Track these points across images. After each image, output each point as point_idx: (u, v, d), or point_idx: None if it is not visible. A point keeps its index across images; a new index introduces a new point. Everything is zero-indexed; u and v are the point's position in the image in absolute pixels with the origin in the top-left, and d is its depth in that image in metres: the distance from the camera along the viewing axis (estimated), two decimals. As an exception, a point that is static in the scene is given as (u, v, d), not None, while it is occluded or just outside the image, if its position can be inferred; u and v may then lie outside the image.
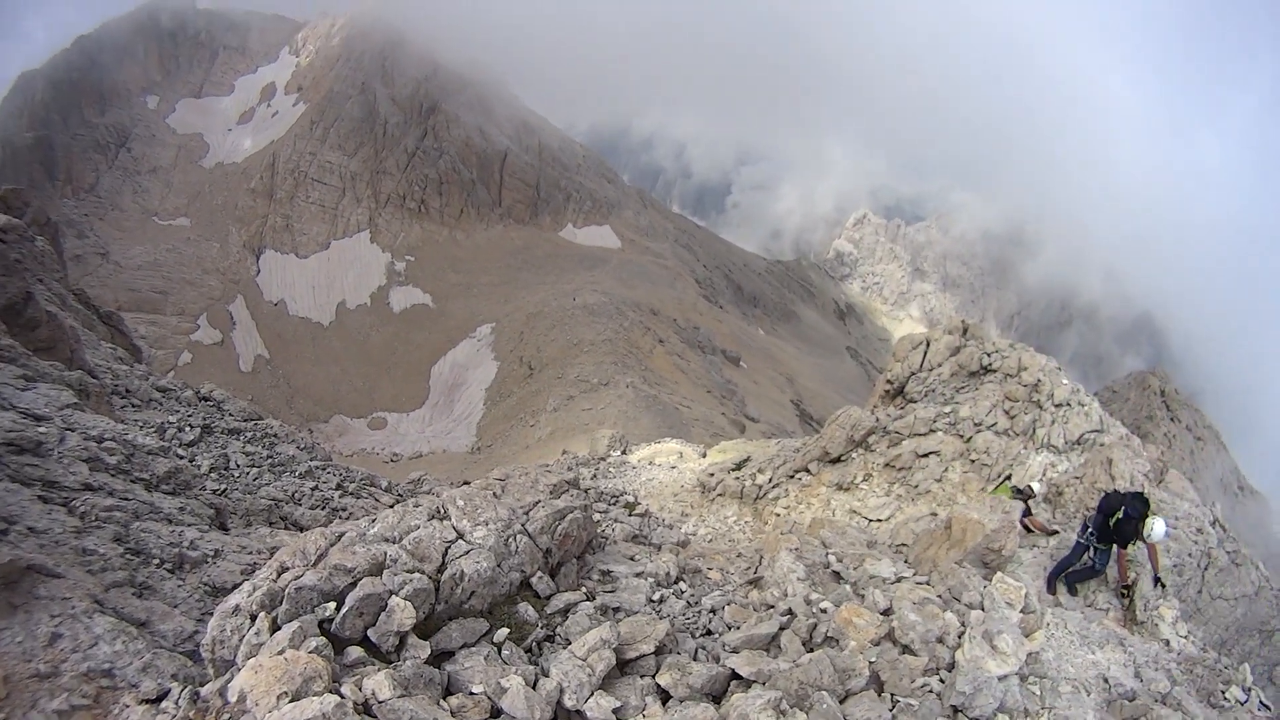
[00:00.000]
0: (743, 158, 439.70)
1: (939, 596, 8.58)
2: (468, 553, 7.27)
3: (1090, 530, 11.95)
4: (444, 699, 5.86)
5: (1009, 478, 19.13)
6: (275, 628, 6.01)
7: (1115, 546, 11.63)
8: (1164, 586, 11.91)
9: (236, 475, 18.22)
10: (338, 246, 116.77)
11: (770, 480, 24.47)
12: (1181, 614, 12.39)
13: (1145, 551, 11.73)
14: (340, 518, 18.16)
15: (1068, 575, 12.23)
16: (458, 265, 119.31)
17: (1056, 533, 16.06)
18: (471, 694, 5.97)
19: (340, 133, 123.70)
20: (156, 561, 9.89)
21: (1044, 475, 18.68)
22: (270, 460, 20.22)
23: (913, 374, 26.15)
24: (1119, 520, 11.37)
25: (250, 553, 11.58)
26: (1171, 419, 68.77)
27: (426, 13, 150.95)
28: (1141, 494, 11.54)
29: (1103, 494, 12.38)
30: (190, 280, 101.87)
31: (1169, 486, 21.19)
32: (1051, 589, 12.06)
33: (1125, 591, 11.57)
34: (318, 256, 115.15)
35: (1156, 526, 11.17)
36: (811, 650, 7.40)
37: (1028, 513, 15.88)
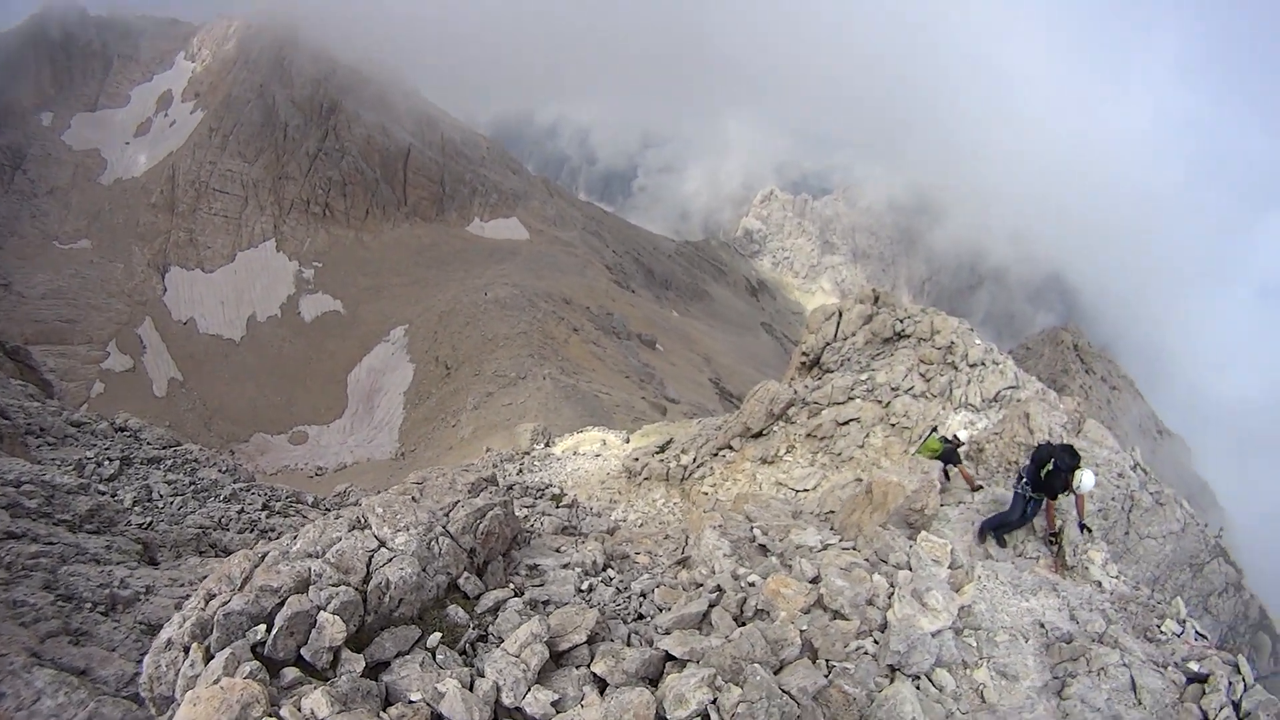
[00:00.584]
0: (647, 141, 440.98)
1: (866, 560, 8.64)
2: (391, 560, 7.13)
3: (1025, 481, 12.16)
4: (384, 710, 5.74)
5: (935, 429, 19.39)
6: (209, 657, 5.84)
7: (1044, 497, 11.88)
8: (1090, 531, 12.16)
9: (161, 506, 17.70)
10: (244, 258, 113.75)
11: (695, 460, 24.56)
12: (1111, 555, 12.70)
13: (1073, 501, 11.98)
14: (269, 539, 17.82)
15: (995, 528, 12.45)
16: (366, 268, 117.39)
17: (981, 488, 16.34)
18: (410, 702, 5.86)
19: (240, 139, 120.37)
20: (89, 605, 9.62)
21: (968, 428, 18.97)
22: (193, 487, 19.69)
23: (827, 344, 26.41)
24: (1049, 472, 11.57)
25: (182, 585, 11.30)
26: (1086, 371, 70.59)
27: (322, 10, 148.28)
28: (1071, 447, 11.74)
29: (1035, 446, 12.72)
30: (96, 305, 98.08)
31: (1088, 435, 21.72)
32: (982, 539, 12.27)
33: (1054, 539, 11.86)
34: (224, 270, 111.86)
35: (1085, 478, 11.39)
36: (743, 625, 7.39)
37: (957, 461, 16.15)
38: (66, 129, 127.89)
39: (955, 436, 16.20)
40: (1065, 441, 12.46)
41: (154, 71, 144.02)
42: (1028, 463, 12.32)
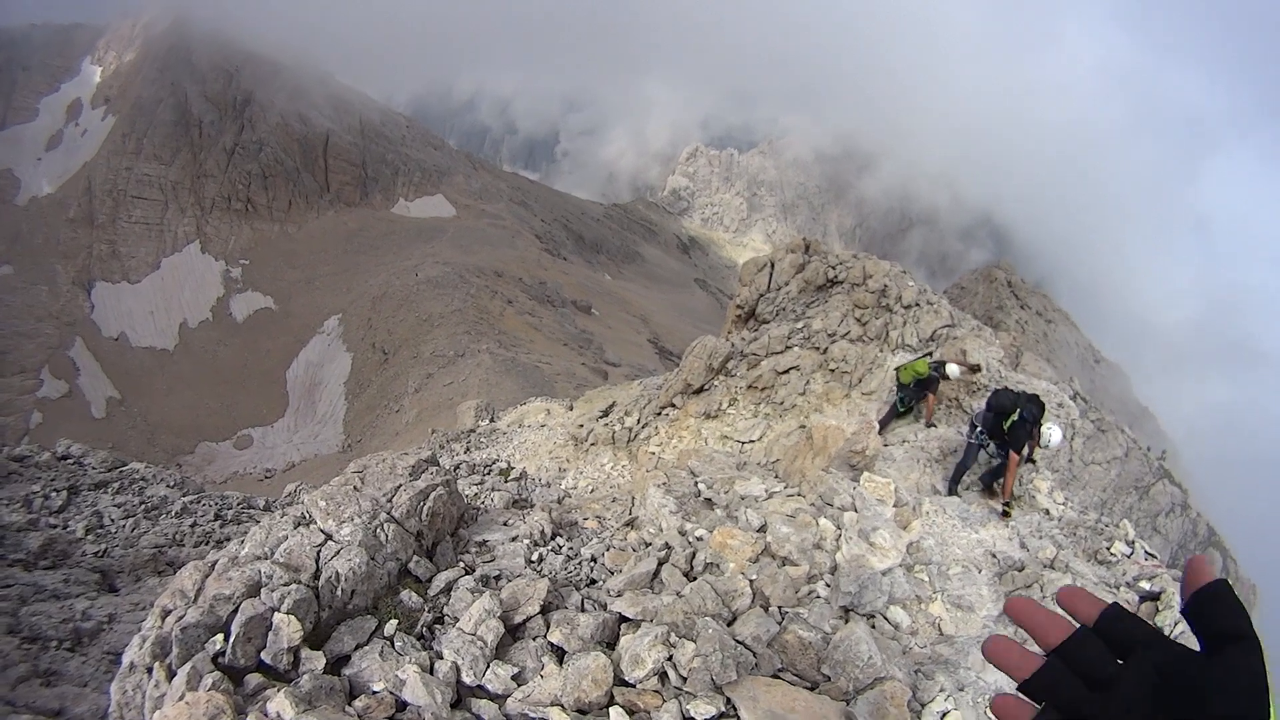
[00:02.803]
0: (569, 106, 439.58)
1: (811, 505, 8.70)
2: (339, 553, 7.02)
3: (979, 429, 12.08)
4: (349, 704, 5.67)
5: (930, 354, 19.51)
6: (172, 674, 5.73)
7: (1005, 451, 11.71)
8: (1034, 463, 12.15)
9: (114, 531, 17.35)
10: (168, 264, 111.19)
11: (639, 421, 24.58)
12: (1057, 483, 12.89)
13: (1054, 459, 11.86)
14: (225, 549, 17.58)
15: (981, 477, 12.38)
16: (294, 260, 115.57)
17: (934, 426, 16.52)
18: (374, 693, 5.80)
19: (155, 141, 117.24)
20: (55, 643, 9.46)
21: (964, 360, 19.09)
22: (144, 507, 19.30)
23: (761, 295, 26.48)
24: (1014, 423, 11.38)
25: (144, 608, 11.14)
26: (1021, 306, 71.53)
27: (228, 2, 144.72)
28: (1037, 397, 11.53)
29: (994, 391, 12.26)
30: (24, 333, 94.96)
31: (1025, 368, 22.10)
32: (954, 492, 12.24)
33: (1006, 509, 11.49)
34: (150, 279, 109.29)
35: (1054, 435, 11.22)
36: (693, 580, 7.41)
37: (934, 391, 16.30)
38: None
39: (944, 368, 16.29)
40: (1027, 391, 12.24)
41: (60, 80, 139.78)
42: (983, 408, 12.21)
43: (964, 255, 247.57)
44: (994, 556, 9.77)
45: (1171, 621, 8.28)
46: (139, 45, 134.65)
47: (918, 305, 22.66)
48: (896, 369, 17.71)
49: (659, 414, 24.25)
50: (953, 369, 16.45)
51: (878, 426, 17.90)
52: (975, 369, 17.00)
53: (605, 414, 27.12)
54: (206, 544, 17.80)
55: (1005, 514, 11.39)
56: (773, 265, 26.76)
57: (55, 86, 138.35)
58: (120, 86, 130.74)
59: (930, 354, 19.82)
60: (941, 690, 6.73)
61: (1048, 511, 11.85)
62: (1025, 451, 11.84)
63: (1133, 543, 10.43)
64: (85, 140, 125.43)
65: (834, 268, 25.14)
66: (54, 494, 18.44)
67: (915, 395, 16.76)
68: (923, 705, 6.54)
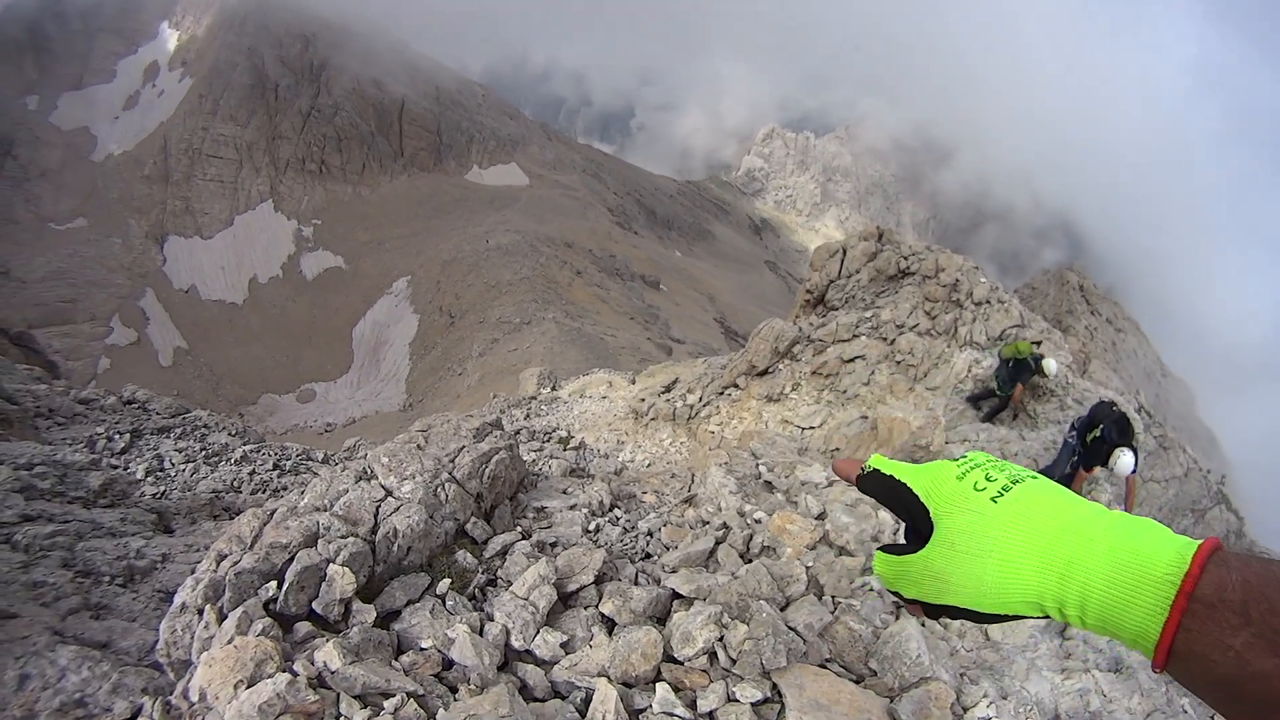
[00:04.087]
0: (644, 80, 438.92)
1: (872, 497, 8.63)
2: (398, 509, 7.10)
3: (1074, 430, 11.89)
4: (396, 659, 5.74)
5: (1039, 344, 19.25)
6: (222, 618, 5.80)
7: (1080, 462, 11.52)
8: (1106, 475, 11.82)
9: (173, 474, 17.67)
10: (241, 221, 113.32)
11: (700, 399, 24.57)
12: (1115, 497, 12.66)
13: (1121, 486, 11.55)
14: (281, 498, 17.81)
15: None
16: (366, 222, 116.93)
17: (1016, 416, 16.29)
18: (422, 650, 5.84)
19: (230, 103, 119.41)
20: (107, 579, 9.62)
21: (1059, 366, 18.81)
22: (204, 453, 19.64)
23: (831, 282, 26.27)
24: (1095, 438, 11.17)
25: (197, 550, 11.30)
26: (1091, 312, 69.97)
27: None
28: (1127, 419, 11.27)
29: (1099, 401, 12.11)
30: (96, 282, 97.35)
31: (1093, 376, 21.72)
32: None
33: None
34: (222, 235, 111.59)
35: (1124, 459, 10.81)
36: (749, 561, 7.40)
37: (1025, 380, 16.03)
38: (54, 110, 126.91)
39: (1040, 359, 16.01)
40: (1121, 411, 11.90)
41: (138, 43, 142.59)
42: (1085, 415, 11.96)
43: (1036, 254, 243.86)
44: (1049, 564, 9.63)
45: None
46: (215, 10, 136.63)
47: (988, 303, 22.33)
48: (1004, 346, 17.45)
49: (721, 394, 24.21)
50: (1050, 364, 16.13)
51: (943, 423, 17.78)
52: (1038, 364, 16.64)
53: (667, 390, 27.14)
54: (263, 492, 18.05)
55: None
56: (845, 252, 26.53)
57: (133, 49, 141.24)
58: (197, 50, 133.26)
59: (1039, 342, 19.52)
60: (985, 696, 6.66)
61: (1106, 525, 11.64)
62: (1098, 470, 11.63)
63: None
64: (162, 101, 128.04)
65: (906, 258, 24.86)
66: (117, 436, 18.81)
67: (1008, 377, 16.45)
68: (965, 710, 6.48)
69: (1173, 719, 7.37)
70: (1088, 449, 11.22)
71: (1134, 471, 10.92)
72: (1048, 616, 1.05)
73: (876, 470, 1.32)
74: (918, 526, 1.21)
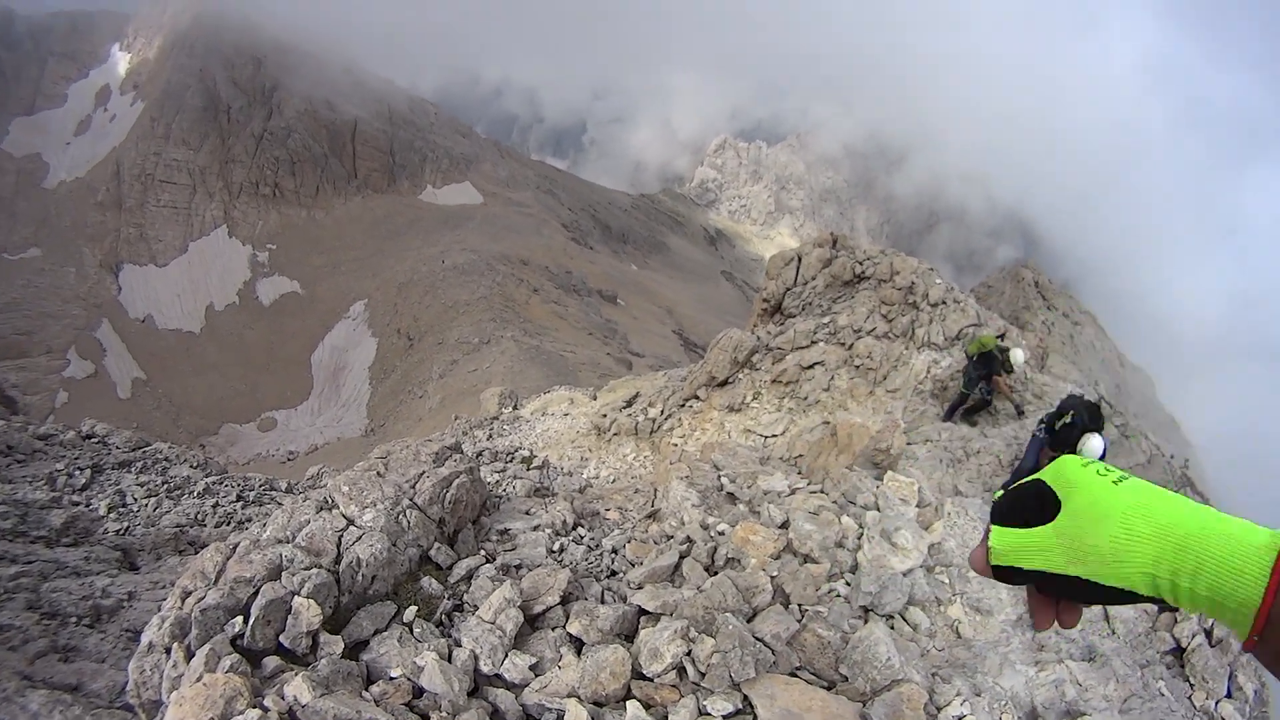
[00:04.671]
0: (596, 95, 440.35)
1: (834, 503, 8.68)
2: (360, 538, 7.05)
3: (1041, 424, 12.03)
4: (366, 689, 5.71)
5: (1003, 337, 19.36)
6: (190, 655, 5.76)
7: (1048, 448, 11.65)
8: None
9: (135, 510, 17.44)
10: (196, 248, 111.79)
11: (662, 412, 24.60)
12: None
13: None
14: (246, 530, 17.65)
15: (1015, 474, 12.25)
16: (321, 246, 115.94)
17: (1023, 414, 16.40)
18: (391, 679, 5.83)
19: (183, 126, 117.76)
20: (74, 620, 9.54)
21: (1027, 353, 18.99)
22: (166, 486, 19.41)
23: (788, 290, 26.41)
24: (1064, 424, 11.31)
25: (163, 587, 11.22)
26: (1048, 307, 70.81)
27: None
28: (1098, 408, 11.47)
29: (1069, 395, 12.36)
30: (52, 314, 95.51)
31: (1051, 370, 21.99)
32: None
33: None
34: (177, 262, 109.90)
35: (1091, 443, 10.97)
36: (714, 574, 7.40)
37: (997, 372, 16.13)
38: (5, 136, 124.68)
39: (1007, 351, 16.12)
40: (1098, 403, 12.08)
41: (89, 66, 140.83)
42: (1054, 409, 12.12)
43: (992, 252, 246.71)
44: (1014, 560, 9.71)
45: (1190, 633, 8.26)
46: (166, 32, 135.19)
47: (944, 303, 22.53)
48: (968, 344, 17.56)
49: (682, 405, 24.26)
50: (1017, 355, 16.27)
51: (945, 413, 17.91)
52: (1004, 356, 16.77)
53: (628, 404, 27.15)
54: (228, 524, 17.88)
55: None
56: (800, 259, 26.68)
57: (84, 73, 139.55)
58: (149, 73, 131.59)
59: (1004, 334, 19.67)
60: (958, 695, 6.71)
61: (1069, 517, 11.76)
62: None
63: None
64: (114, 126, 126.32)
65: (861, 263, 25.04)
66: (77, 472, 18.54)
67: (976, 373, 16.54)
68: (939, 709, 6.52)
69: (1149, 702, 7.45)
70: (1056, 435, 11.33)
71: (1101, 458, 11.01)
72: (1157, 600, 1.14)
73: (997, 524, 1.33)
74: (1038, 521, 1.26)
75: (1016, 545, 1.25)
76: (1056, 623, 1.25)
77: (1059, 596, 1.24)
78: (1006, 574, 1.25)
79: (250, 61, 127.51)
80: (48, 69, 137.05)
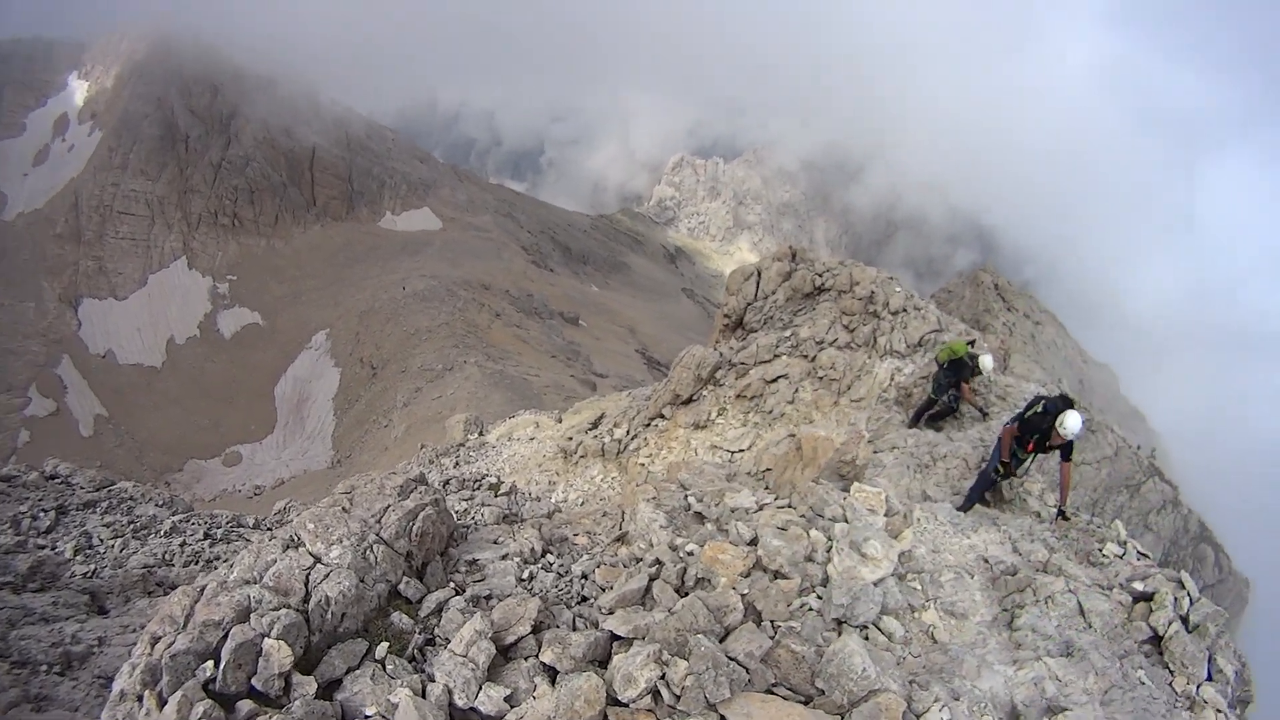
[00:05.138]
0: (553, 116, 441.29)
1: (802, 517, 8.68)
2: (328, 576, 6.97)
3: (1010, 423, 12.07)
4: (341, 729, 5.67)
5: (973, 343, 19.42)
6: (163, 703, 5.71)
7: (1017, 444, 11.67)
8: (1066, 517, 11.79)
9: (102, 551, 17.23)
10: (155, 280, 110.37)
11: (628, 432, 24.62)
12: (1048, 485, 12.91)
13: (1057, 474, 11.68)
14: (215, 568, 17.45)
15: (983, 490, 12.29)
16: (281, 275, 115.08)
17: (987, 415, 16.51)
18: (366, 717, 5.82)
19: (141, 156, 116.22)
20: (45, 668, 9.44)
21: (995, 362, 19.13)
22: (132, 526, 19.18)
23: (749, 304, 26.53)
24: (1036, 412, 11.33)
25: (134, 630, 11.10)
26: (1008, 309, 71.56)
27: (219, 15, 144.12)
28: (1066, 395, 11.55)
29: (1035, 396, 12.47)
30: (11, 350, 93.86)
31: (1014, 371, 22.19)
32: (970, 507, 12.05)
33: (1062, 514, 11.36)
34: (137, 295, 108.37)
35: (1070, 417, 10.98)
36: (684, 595, 7.38)
37: (966, 378, 16.21)
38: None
39: (977, 358, 16.22)
40: (1067, 394, 12.14)
41: (47, 95, 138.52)
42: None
43: (950, 258, 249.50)
44: (986, 562, 9.76)
45: (1166, 621, 8.31)
46: (124, 60, 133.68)
47: (905, 311, 22.70)
48: (938, 351, 17.65)
49: (648, 425, 24.28)
50: (987, 360, 16.38)
51: (912, 420, 18.00)
52: (974, 361, 16.88)
53: (594, 426, 27.15)
54: (196, 563, 17.69)
55: (1063, 515, 11.28)
56: (759, 274, 26.81)
57: (42, 101, 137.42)
58: (106, 102, 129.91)
59: (974, 342, 19.79)
60: (936, 700, 6.70)
61: (1039, 514, 11.86)
62: (1029, 464, 11.88)
63: (1125, 543, 10.41)
64: (72, 156, 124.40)
65: (820, 275, 25.20)
66: (42, 514, 18.29)
67: (946, 380, 16.64)
68: (918, 716, 6.52)
69: (1130, 692, 7.49)
70: (1027, 423, 11.37)
71: (1079, 434, 11.15)
72: None
73: None
74: None
75: None
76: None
77: None
78: None
79: (207, 89, 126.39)
80: (4, 98, 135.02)
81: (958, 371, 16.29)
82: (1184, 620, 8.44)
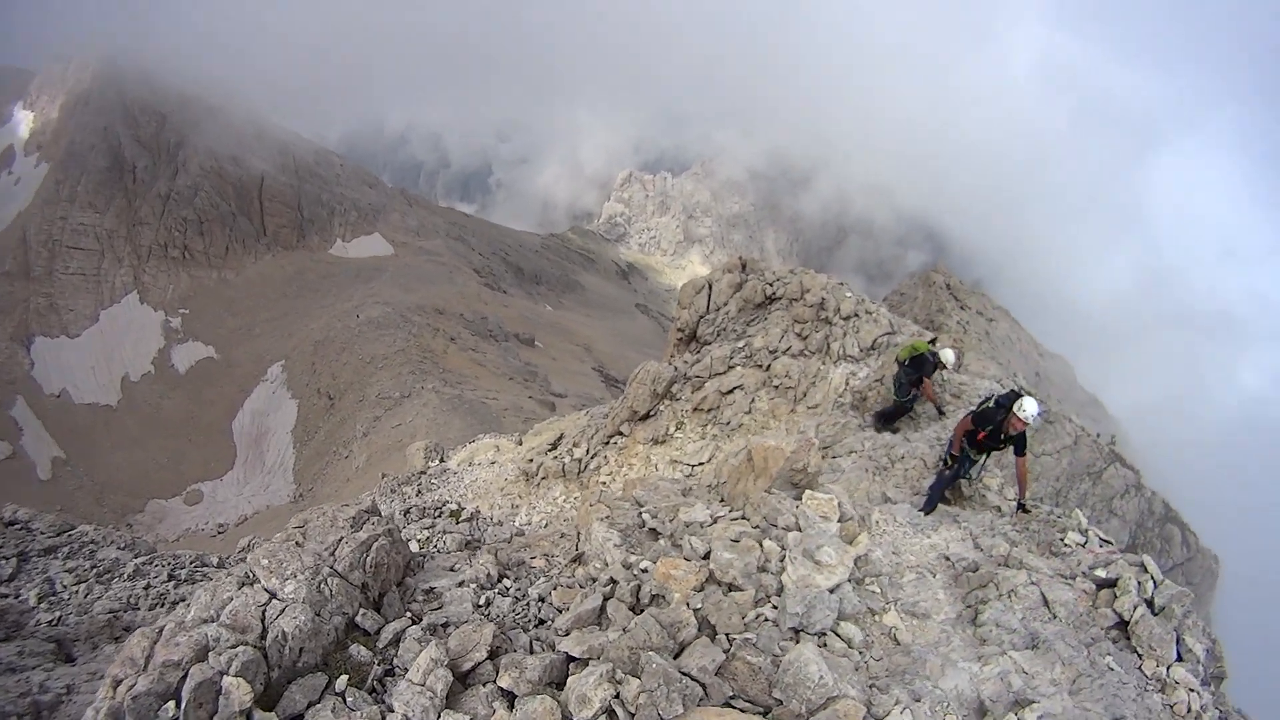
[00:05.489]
0: (500, 136, 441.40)
1: (756, 528, 8.74)
2: (284, 611, 6.97)
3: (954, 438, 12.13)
4: (305, 764, 5.65)
5: (934, 340, 19.47)
6: (127, 746, 5.59)
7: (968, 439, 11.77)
8: (1026, 510, 11.83)
9: (67, 598, 17.00)
10: (107, 316, 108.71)
11: (588, 451, 24.61)
12: (1007, 480, 13.03)
13: (1014, 469, 11.77)
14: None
15: (938, 490, 12.31)
16: (233, 307, 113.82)
17: (944, 415, 16.61)
18: (330, 751, 5.77)
19: (88, 188, 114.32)
20: (14, 718, 9.29)
21: (957, 358, 19.26)
22: (95, 571, 18.91)
23: (701, 317, 26.65)
24: (988, 407, 11.41)
25: (101, 677, 10.94)
26: (961, 308, 72.03)
27: (164, 43, 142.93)
28: (1018, 389, 11.68)
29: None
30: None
31: (969, 369, 22.38)
32: (932, 509, 12.07)
33: (1022, 508, 11.51)
34: (89, 332, 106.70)
35: (1027, 402, 11.09)
36: (639, 613, 7.41)
37: (929, 374, 16.30)
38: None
39: (938, 355, 16.30)
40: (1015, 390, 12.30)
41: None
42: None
43: (901, 260, 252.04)
44: (948, 560, 9.84)
45: (1131, 605, 8.40)
46: (70, 89, 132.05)
47: (856, 315, 22.89)
48: (898, 350, 17.71)
49: (607, 443, 24.29)
50: (948, 354, 16.47)
51: (876, 423, 18.08)
52: (937, 358, 16.98)
53: (554, 446, 27.11)
54: (161, 606, 17.50)
55: (1023, 508, 11.41)
56: (710, 286, 26.95)
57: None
58: (53, 132, 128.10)
59: (935, 339, 19.90)
60: (897, 703, 6.77)
61: (999, 509, 11.97)
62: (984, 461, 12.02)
63: (1086, 531, 10.54)
64: (19, 189, 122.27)
65: (771, 284, 25.36)
66: (3, 561, 18.05)
67: (907, 379, 16.70)
68: (879, 719, 6.56)
69: (1099, 679, 7.57)
70: (979, 417, 11.44)
71: (1038, 417, 11.25)
72: None
73: None
74: None
75: None
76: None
77: None
78: None
79: (154, 118, 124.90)
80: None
81: (919, 368, 16.39)
82: (1149, 603, 8.54)
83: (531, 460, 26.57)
